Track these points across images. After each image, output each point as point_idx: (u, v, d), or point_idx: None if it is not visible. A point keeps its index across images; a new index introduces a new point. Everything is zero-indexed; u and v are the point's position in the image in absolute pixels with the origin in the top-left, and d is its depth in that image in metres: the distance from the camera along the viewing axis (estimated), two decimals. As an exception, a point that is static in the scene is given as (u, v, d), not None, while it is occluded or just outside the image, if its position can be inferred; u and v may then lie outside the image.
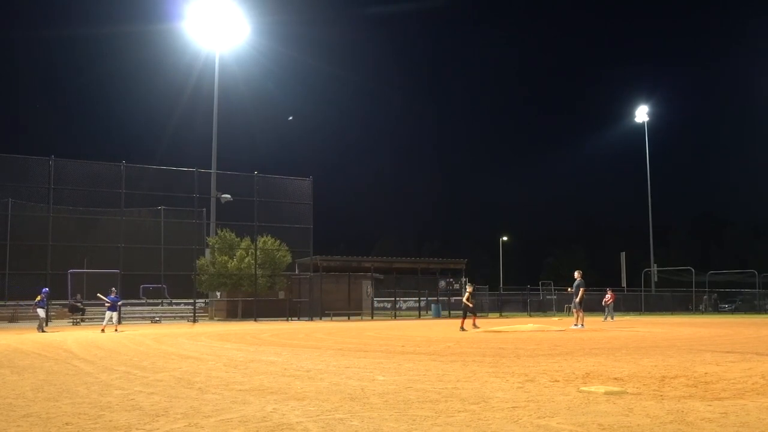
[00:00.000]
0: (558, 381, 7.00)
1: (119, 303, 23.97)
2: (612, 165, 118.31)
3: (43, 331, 21.15)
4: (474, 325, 21.05)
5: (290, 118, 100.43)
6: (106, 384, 7.21)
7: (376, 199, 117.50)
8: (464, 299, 21.69)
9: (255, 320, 32.09)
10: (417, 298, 44.37)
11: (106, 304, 22.42)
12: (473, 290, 22.55)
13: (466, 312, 21.30)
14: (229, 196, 36.06)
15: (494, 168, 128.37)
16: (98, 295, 23.45)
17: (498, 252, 75.13)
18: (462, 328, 20.11)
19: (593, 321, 26.61)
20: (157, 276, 34.50)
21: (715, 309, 51.40)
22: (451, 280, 47.64)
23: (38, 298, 22.59)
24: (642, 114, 60.89)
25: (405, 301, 50.49)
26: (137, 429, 4.62)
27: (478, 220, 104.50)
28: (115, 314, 22.45)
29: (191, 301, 33.55)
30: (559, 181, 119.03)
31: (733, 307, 52.17)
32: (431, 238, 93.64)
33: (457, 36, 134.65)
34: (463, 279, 22.42)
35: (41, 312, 22.25)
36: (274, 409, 5.36)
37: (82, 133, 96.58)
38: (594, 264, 69.64)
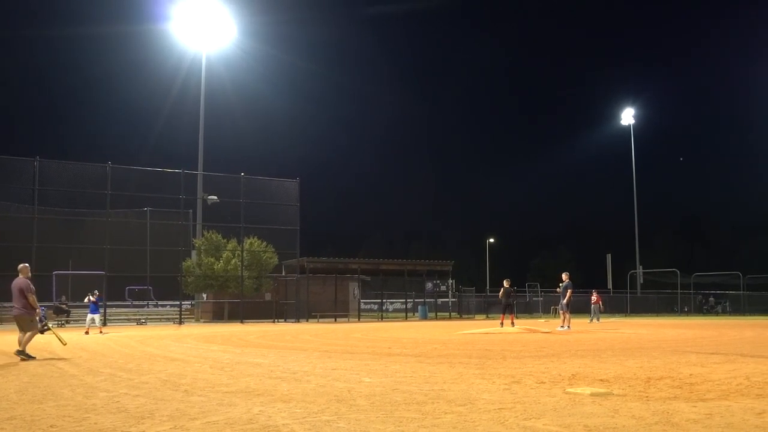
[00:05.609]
0: (544, 382, 7.03)
1: (100, 304, 23.63)
2: (598, 167, 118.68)
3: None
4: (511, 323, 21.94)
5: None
6: (91, 386, 7.16)
7: (363, 200, 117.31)
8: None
9: (241, 322, 31.98)
10: (404, 300, 44.39)
11: (86, 301, 22.23)
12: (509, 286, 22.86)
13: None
14: (215, 197, 35.91)
15: (482, 170, 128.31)
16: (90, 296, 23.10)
17: (485, 253, 75.36)
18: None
19: (579, 323, 26.73)
20: (143, 277, 34.29)
21: (712, 310, 51.74)
22: (438, 281, 47.74)
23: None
24: (628, 117, 61.16)
25: (392, 303, 50.49)
26: (122, 432, 4.59)
27: (466, 222, 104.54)
28: (96, 316, 22.28)
29: (177, 302, 33.38)
30: (545, 183, 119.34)
31: (719, 308, 52.61)
32: (419, 239, 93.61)
33: (447, 37, 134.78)
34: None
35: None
36: (260, 411, 5.34)
37: (67, 133, 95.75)
38: (580, 266, 69.96)
